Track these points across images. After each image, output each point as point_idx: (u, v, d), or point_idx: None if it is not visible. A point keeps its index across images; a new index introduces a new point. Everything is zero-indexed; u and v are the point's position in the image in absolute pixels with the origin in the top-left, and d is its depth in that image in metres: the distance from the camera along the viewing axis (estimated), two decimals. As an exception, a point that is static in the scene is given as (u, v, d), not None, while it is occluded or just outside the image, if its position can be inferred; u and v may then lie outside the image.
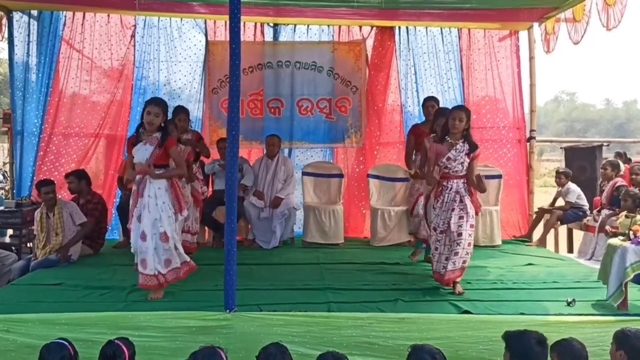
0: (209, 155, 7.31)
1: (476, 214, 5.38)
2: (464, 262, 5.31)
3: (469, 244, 5.30)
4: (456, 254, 5.25)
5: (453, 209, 5.24)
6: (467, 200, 5.26)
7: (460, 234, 5.23)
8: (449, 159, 5.24)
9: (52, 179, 6.89)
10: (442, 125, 5.54)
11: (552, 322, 4.55)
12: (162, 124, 5.09)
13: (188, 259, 5.30)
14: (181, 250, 5.25)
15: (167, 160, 5.11)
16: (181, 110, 6.75)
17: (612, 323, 4.42)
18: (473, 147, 5.27)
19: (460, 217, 5.23)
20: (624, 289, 4.76)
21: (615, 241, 5.09)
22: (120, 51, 8.26)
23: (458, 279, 5.36)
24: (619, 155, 9.47)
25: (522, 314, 4.71)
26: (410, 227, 7.36)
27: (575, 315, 4.69)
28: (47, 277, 5.73)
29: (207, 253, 6.97)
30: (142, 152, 5.02)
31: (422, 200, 6.41)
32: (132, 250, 5.15)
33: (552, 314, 4.74)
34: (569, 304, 4.93)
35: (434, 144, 5.44)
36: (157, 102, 5.13)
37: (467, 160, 5.26)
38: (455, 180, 5.29)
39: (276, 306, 4.78)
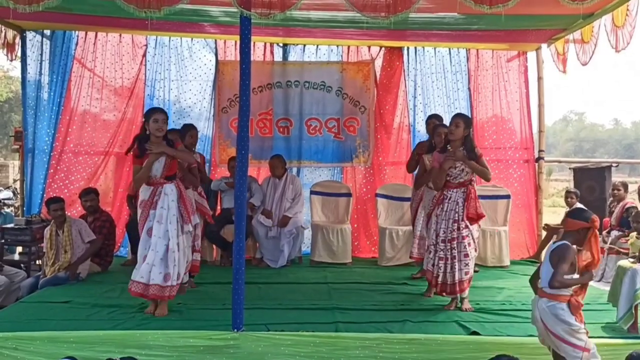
0: (204, 181, 6.86)
1: (477, 220, 5.46)
2: (466, 273, 5.39)
3: (466, 255, 5.38)
4: (455, 264, 5.36)
5: (450, 218, 5.38)
6: (461, 210, 5.36)
7: (457, 242, 5.37)
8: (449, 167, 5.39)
9: (61, 196, 6.94)
10: (442, 134, 5.75)
11: (562, 344, 4.52)
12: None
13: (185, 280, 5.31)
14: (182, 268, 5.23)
15: (176, 169, 5.22)
16: (192, 127, 6.80)
17: (622, 346, 4.40)
18: (471, 153, 5.35)
19: (458, 228, 5.36)
20: (634, 311, 4.73)
21: (625, 263, 5.07)
22: (132, 70, 8.35)
23: (465, 293, 5.44)
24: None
25: (530, 335, 4.67)
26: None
27: (585, 337, 4.66)
28: (55, 295, 5.74)
29: (214, 272, 6.98)
30: (156, 165, 5.07)
31: (420, 215, 6.72)
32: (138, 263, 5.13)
33: (561, 336, 4.70)
34: (578, 326, 4.89)
35: (436, 154, 5.56)
36: (161, 110, 5.25)
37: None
38: (455, 190, 5.41)
39: (284, 326, 4.77)
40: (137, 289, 5.02)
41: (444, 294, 5.55)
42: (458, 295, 5.45)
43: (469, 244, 5.41)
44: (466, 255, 5.39)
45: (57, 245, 6.35)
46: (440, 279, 5.44)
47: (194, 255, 6.01)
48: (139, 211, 5.17)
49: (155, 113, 5.13)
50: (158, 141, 5.07)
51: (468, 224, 5.39)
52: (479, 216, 5.45)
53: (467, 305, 5.45)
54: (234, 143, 7.82)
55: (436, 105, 8.53)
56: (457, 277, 5.38)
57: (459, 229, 5.37)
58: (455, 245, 5.38)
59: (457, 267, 5.37)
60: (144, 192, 5.14)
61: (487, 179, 5.55)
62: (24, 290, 6.23)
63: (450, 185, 5.44)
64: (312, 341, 4.47)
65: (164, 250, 5.01)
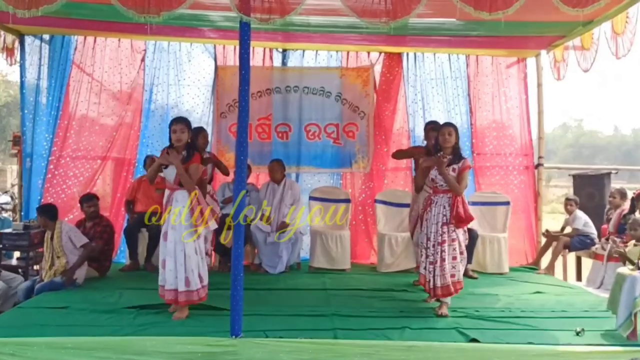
0: (227, 173, 7.30)
1: (466, 222, 5.57)
2: (453, 275, 5.46)
3: (454, 258, 5.48)
4: (445, 266, 5.42)
5: (439, 222, 5.50)
6: (449, 214, 5.47)
7: (447, 245, 5.45)
8: (437, 174, 5.56)
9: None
10: (434, 139, 5.91)
11: (561, 352, 4.52)
12: (189, 141, 5.31)
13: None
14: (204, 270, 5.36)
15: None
16: (202, 130, 7.02)
17: (621, 353, 4.39)
18: (457, 157, 5.56)
19: (448, 231, 5.47)
20: (633, 318, 4.71)
21: (624, 270, 5.06)
22: (130, 75, 8.34)
23: (448, 298, 5.52)
24: None
25: (530, 343, 4.66)
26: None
27: (584, 345, 4.65)
28: (53, 300, 5.72)
29: (213, 278, 6.90)
30: (171, 171, 5.21)
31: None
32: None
33: (561, 343, 4.69)
34: (578, 333, 4.89)
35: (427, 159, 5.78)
36: (180, 119, 5.37)
37: (454, 174, 5.50)
38: (442, 195, 5.55)
39: (282, 332, 4.76)
40: (163, 294, 5.26)
41: (433, 299, 5.69)
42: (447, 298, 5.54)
43: (459, 246, 5.53)
44: (454, 258, 5.49)
45: (52, 249, 6.34)
46: (431, 283, 5.52)
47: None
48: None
49: (173, 124, 5.29)
50: (174, 152, 5.23)
51: (454, 228, 5.49)
52: (468, 218, 5.54)
53: (444, 310, 5.49)
54: (232, 148, 7.84)
55: (436, 111, 8.52)
56: (447, 280, 5.44)
57: (448, 231, 5.48)
58: (445, 248, 5.45)
59: (446, 269, 5.44)
60: (165, 196, 5.38)
61: (457, 194, 5.51)
62: (20, 293, 6.20)
63: (437, 191, 5.59)
64: (310, 348, 4.44)
65: (182, 256, 5.16)
